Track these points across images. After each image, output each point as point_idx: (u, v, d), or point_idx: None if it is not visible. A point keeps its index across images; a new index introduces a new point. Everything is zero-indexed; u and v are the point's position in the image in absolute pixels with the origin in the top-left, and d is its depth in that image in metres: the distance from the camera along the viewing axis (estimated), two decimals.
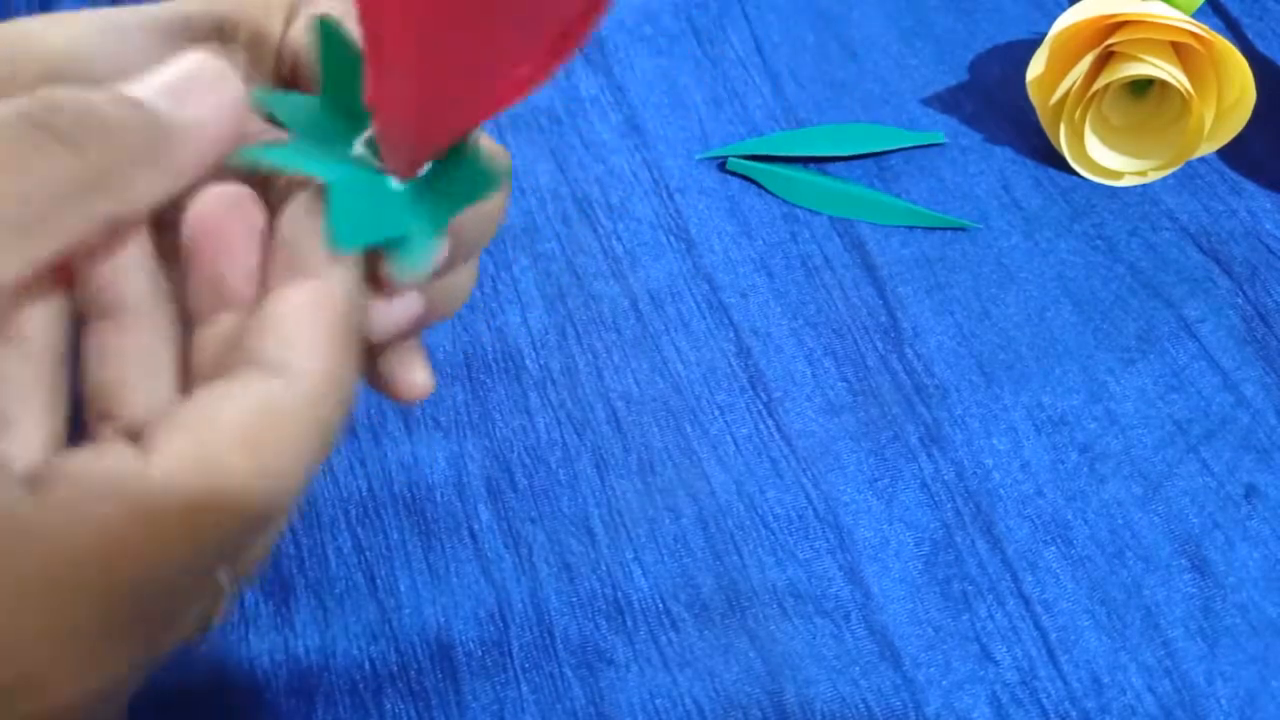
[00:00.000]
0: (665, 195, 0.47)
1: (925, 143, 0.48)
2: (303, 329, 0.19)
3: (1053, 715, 0.36)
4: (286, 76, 0.24)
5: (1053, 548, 0.39)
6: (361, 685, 0.36)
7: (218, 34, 0.23)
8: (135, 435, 0.18)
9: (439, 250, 0.21)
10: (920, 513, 0.39)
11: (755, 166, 0.47)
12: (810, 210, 0.46)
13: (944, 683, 0.36)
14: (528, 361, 0.42)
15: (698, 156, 0.47)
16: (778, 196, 0.47)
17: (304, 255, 0.20)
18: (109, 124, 0.19)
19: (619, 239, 0.46)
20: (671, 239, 0.46)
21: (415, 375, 0.24)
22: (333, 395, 0.19)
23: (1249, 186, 0.47)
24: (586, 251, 0.45)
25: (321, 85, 0.21)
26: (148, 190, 0.19)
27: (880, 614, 0.37)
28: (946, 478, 0.40)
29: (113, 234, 0.19)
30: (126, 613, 0.18)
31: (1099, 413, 0.41)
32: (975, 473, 0.40)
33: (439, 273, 0.23)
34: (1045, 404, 0.42)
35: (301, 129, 0.21)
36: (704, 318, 0.44)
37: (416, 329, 0.24)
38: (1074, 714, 0.36)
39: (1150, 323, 0.44)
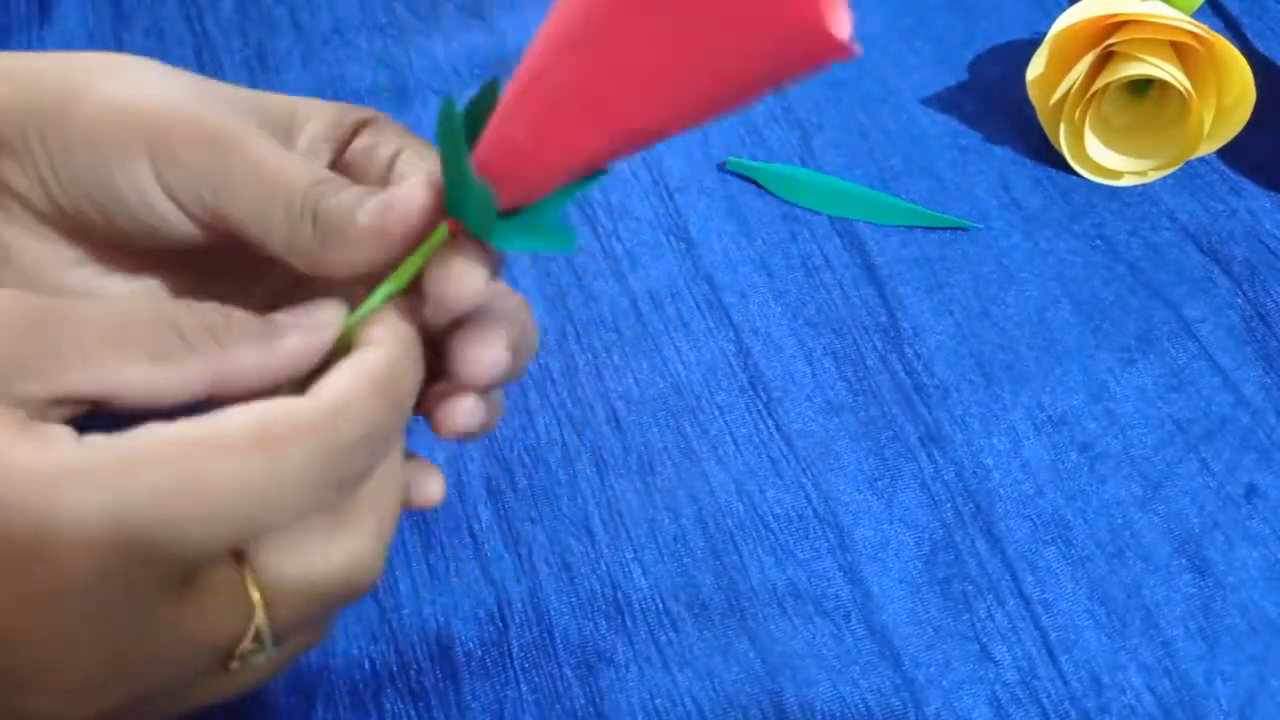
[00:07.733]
0: (665, 195, 0.47)
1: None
2: (342, 371, 0.23)
3: (1053, 715, 0.36)
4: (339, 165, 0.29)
5: (1053, 548, 0.39)
6: (361, 685, 0.36)
7: (288, 120, 0.28)
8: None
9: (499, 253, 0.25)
10: (920, 512, 0.39)
11: (755, 166, 0.47)
12: (810, 210, 0.46)
13: (944, 683, 0.36)
14: None
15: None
16: (778, 196, 0.47)
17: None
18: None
19: (619, 239, 0.46)
20: (671, 239, 0.46)
21: (429, 487, 0.29)
22: (343, 424, 0.22)
23: (1249, 186, 0.47)
24: (586, 251, 0.45)
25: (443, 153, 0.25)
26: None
27: (880, 614, 0.37)
28: (946, 477, 0.40)
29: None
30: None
31: (1099, 413, 0.41)
32: (975, 472, 0.40)
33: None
34: (1045, 404, 0.42)
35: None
36: (704, 318, 0.44)
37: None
38: (1074, 714, 0.36)
39: (1150, 323, 0.44)
